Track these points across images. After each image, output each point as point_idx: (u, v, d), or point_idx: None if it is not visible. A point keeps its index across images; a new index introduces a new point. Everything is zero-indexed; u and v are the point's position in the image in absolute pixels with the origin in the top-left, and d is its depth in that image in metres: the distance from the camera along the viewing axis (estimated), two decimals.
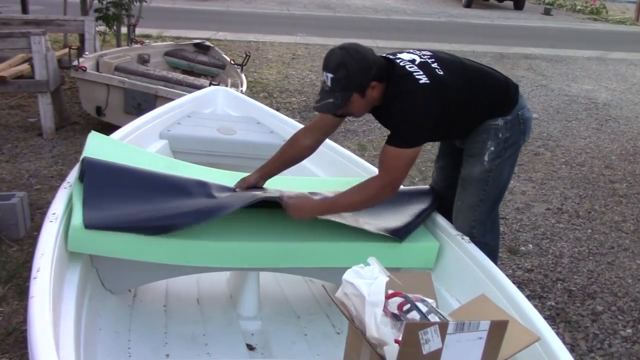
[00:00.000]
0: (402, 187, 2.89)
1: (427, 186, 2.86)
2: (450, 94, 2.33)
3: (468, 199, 2.55)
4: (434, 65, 2.36)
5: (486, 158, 2.47)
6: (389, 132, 2.35)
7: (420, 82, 2.27)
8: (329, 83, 2.23)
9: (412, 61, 2.35)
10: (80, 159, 2.37)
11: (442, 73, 2.35)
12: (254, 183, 2.62)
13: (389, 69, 2.32)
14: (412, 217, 2.56)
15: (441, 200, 2.71)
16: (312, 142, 2.66)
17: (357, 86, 2.23)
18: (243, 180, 2.63)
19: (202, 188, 2.49)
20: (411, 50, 2.46)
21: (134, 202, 2.26)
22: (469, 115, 2.44)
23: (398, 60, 2.36)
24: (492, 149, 2.47)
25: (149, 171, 2.48)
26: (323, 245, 2.42)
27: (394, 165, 2.30)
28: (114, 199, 2.25)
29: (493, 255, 2.64)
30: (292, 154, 2.68)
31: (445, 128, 2.43)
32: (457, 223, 2.59)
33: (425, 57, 2.40)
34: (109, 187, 2.29)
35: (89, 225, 2.06)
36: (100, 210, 2.16)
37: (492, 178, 2.51)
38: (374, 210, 2.51)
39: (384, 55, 2.40)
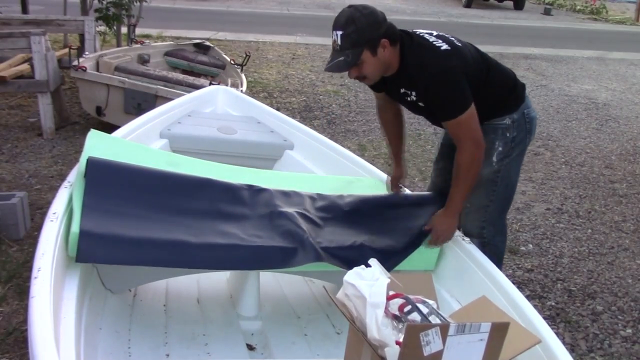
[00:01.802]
0: (410, 192, 2.89)
1: (430, 193, 2.84)
2: (468, 64, 2.35)
3: (477, 201, 2.54)
4: (452, 39, 2.40)
5: (495, 158, 2.47)
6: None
7: (441, 48, 2.29)
8: (338, 41, 2.23)
9: (430, 33, 2.39)
10: (81, 158, 2.35)
11: (460, 44, 2.38)
12: (403, 174, 2.84)
13: (403, 36, 2.33)
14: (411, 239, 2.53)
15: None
16: (392, 112, 2.73)
17: (366, 41, 2.22)
18: (395, 180, 2.81)
19: (216, 196, 2.46)
20: (428, 30, 2.49)
21: (137, 209, 2.23)
22: (481, 99, 2.42)
23: (417, 32, 2.39)
24: (500, 149, 2.47)
25: (155, 171, 2.44)
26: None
27: (465, 133, 2.31)
28: (117, 205, 2.20)
29: (499, 257, 2.64)
30: (392, 128, 2.79)
31: None
32: (467, 225, 2.58)
33: (443, 33, 2.44)
34: (112, 189, 2.24)
35: (83, 236, 2.01)
36: (99, 218, 2.11)
37: (500, 178, 2.51)
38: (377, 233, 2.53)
39: (401, 29, 2.41)
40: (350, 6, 2.27)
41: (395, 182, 2.81)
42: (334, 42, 2.26)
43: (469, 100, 2.28)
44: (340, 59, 2.24)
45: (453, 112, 2.28)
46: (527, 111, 2.52)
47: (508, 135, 2.46)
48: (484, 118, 2.45)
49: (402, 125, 2.79)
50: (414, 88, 2.36)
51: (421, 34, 2.37)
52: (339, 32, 2.23)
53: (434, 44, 2.30)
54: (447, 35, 2.41)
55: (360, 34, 2.21)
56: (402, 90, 2.42)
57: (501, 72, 2.54)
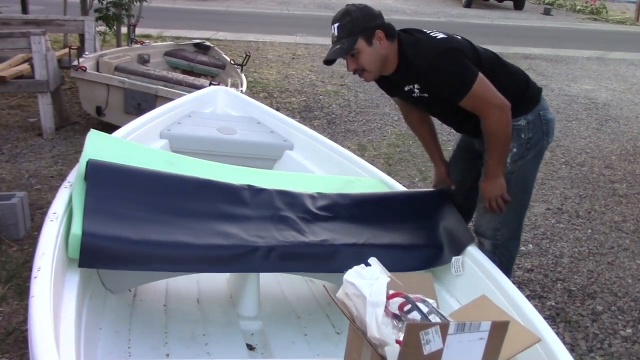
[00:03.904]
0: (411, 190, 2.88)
1: (431, 190, 2.84)
2: (467, 54, 2.36)
3: None
4: (454, 35, 2.45)
5: (509, 160, 2.46)
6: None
7: (438, 37, 2.36)
8: (336, 33, 2.34)
9: (430, 31, 2.44)
10: (81, 158, 2.34)
11: (460, 38, 2.43)
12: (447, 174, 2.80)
13: (401, 34, 2.39)
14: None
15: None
16: (417, 115, 2.74)
17: (361, 30, 2.30)
18: (442, 179, 2.77)
19: (219, 198, 2.45)
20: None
21: (139, 212, 2.22)
22: None
23: (416, 30, 2.44)
24: (515, 150, 2.46)
25: (156, 173, 2.43)
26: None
27: (484, 103, 2.31)
28: (118, 207, 2.19)
29: (510, 261, 2.62)
30: (422, 130, 2.82)
31: (464, 112, 2.40)
32: (481, 226, 2.57)
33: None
34: (112, 192, 2.23)
35: (85, 242, 2.00)
36: (101, 221, 2.10)
37: (514, 179, 2.48)
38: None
39: (401, 29, 2.47)
40: (347, 4, 2.38)
41: (443, 181, 2.77)
42: (332, 35, 2.36)
43: (473, 72, 2.28)
44: (337, 47, 2.33)
45: (462, 88, 2.28)
46: (543, 113, 2.50)
47: (523, 136, 2.45)
48: None
49: (430, 125, 2.80)
50: (415, 80, 2.38)
51: (420, 29, 2.43)
52: (336, 25, 2.34)
53: (431, 35, 2.38)
54: (448, 33, 2.44)
55: (355, 23, 2.30)
56: (406, 88, 2.43)
57: (509, 72, 2.52)
